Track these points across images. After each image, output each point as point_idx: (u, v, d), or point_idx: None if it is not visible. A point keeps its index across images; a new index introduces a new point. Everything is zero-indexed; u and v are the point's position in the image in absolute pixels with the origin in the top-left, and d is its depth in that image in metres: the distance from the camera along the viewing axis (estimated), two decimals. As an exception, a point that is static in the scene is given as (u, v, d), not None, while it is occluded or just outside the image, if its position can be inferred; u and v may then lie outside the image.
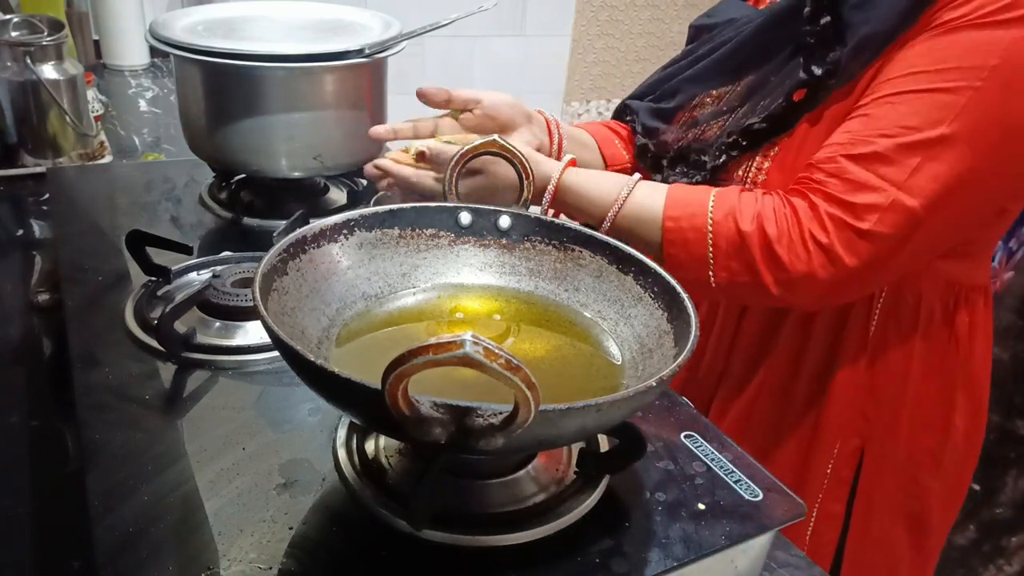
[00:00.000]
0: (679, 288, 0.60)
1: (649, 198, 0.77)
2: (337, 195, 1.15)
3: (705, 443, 0.66)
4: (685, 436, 0.67)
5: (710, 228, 0.73)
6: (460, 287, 0.70)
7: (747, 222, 0.72)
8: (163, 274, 0.82)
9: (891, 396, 0.84)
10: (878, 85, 0.71)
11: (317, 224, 0.63)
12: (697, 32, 0.97)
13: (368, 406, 0.46)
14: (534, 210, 0.73)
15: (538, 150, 0.89)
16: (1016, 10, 0.64)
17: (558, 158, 0.91)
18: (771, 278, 0.72)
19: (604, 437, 0.64)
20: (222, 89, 0.96)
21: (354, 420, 0.59)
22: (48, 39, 1.21)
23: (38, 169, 1.26)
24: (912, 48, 0.69)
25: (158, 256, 0.83)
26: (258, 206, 1.06)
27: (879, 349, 0.83)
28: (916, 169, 0.67)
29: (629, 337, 0.64)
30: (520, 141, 0.88)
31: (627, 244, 0.66)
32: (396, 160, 0.85)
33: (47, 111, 1.25)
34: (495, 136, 0.69)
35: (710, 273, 0.74)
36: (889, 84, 0.70)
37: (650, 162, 0.92)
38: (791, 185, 0.75)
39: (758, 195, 0.74)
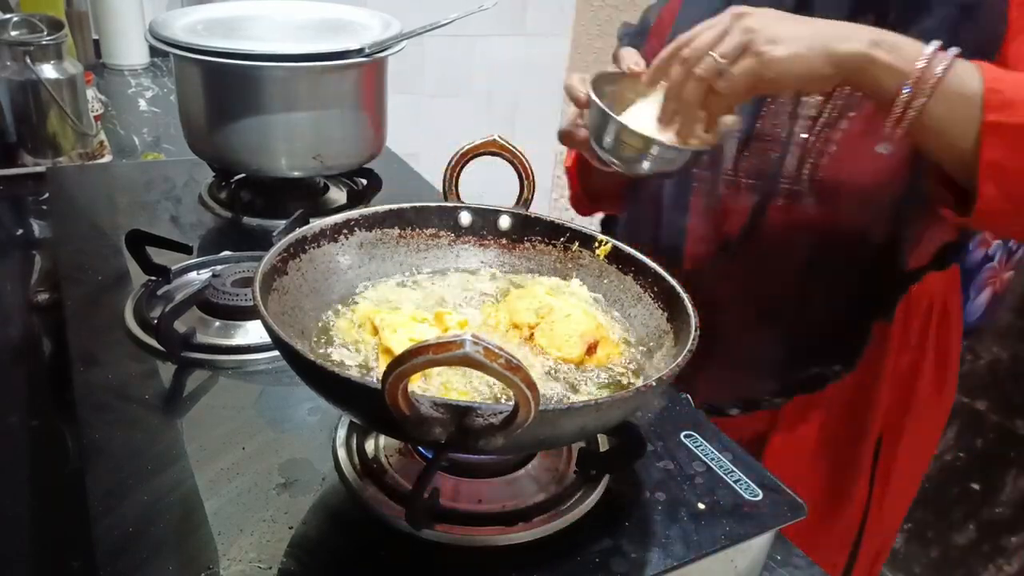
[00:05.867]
0: (679, 288, 0.60)
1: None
2: (337, 195, 1.15)
3: (705, 443, 0.66)
4: (685, 436, 0.67)
5: None
6: (460, 287, 0.70)
7: None
8: (163, 274, 0.82)
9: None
10: None
11: (317, 224, 0.63)
12: None
13: (368, 406, 0.46)
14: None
15: None
16: None
17: None
18: None
19: (604, 437, 0.64)
20: (222, 89, 0.96)
21: (354, 420, 0.59)
22: (48, 38, 1.21)
23: (38, 169, 1.25)
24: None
25: (158, 256, 0.83)
26: (258, 206, 1.06)
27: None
28: None
29: (629, 337, 0.64)
30: None
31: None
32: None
33: (47, 111, 1.24)
34: (495, 136, 0.69)
35: None
36: None
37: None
38: None
39: None
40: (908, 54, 0.60)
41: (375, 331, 0.59)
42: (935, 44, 0.61)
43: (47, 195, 1.17)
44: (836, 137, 0.77)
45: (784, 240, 0.83)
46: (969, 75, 0.60)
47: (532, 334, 0.61)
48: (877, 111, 0.64)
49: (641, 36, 0.96)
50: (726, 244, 0.86)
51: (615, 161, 0.72)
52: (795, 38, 0.61)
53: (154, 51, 1.87)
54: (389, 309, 0.62)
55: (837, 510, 0.93)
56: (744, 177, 0.83)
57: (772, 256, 0.84)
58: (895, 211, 0.79)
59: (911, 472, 0.98)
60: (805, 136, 0.78)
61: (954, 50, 0.61)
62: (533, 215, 0.71)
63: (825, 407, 0.88)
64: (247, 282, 0.80)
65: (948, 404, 0.96)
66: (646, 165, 0.70)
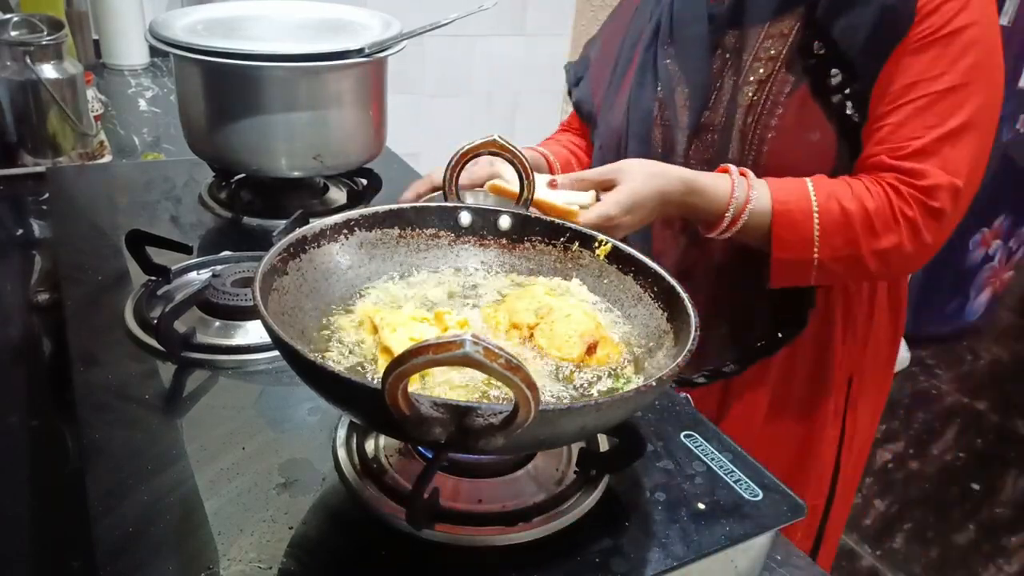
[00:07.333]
0: (679, 288, 0.60)
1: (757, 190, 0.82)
2: (337, 195, 1.15)
3: (705, 443, 0.66)
4: (685, 436, 0.67)
5: (816, 209, 0.80)
6: (460, 287, 0.70)
7: (848, 201, 0.79)
8: (163, 274, 0.82)
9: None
10: (884, 97, 0.80)
11: (317, 224, 0.63)
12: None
13: (368, 406, 0.46)
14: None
15: None
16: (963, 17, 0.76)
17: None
18: (868, 251, 0.80)
19: (604, 437, 0.64)
20: (222, 89, 0.96)
21: (354, 420, 0.59)
22: (48, 38, 1.21)
23: (38, 169, 1.25)
24: (898, 65, 0.78)
25: (158, 256, 0.83)
26: (258, 206, 1.06)
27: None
28: (950, 154, 0.78)
29: (629, 337, 0.64)
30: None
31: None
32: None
33: (47, 111, 1.24)
34: (495, 135, 0.69)
35: (815, 252, 0.80)
36: (892, 97, 0.79)
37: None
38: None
39: (848, 179, 0.82)
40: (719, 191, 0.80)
41: (375, 330, 0.59)
42: (735, 170, 0.82)
43: (47, 195, 1.17)
44: (772, 123, 0.84)
45: None
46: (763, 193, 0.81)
47: (532, 334, 0.61)
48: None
49: (585, 68, 1.07)
50: (685, 226, 0.95)
51: None
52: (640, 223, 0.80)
53: (154, 51, 1.87)
54: (389, 309, 0.62)
55: (808, 460, 0.99)
56: (696, 164, 0.90)
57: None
58: None
59: (872, 413, 1.05)
60: (742, 124, 0.86)
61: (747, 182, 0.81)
62: (533, 215, 0.71)
63: (778, 369, 0.95)
64: (247, 282, 0.80)
65: (899, 337, 1.04)
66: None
